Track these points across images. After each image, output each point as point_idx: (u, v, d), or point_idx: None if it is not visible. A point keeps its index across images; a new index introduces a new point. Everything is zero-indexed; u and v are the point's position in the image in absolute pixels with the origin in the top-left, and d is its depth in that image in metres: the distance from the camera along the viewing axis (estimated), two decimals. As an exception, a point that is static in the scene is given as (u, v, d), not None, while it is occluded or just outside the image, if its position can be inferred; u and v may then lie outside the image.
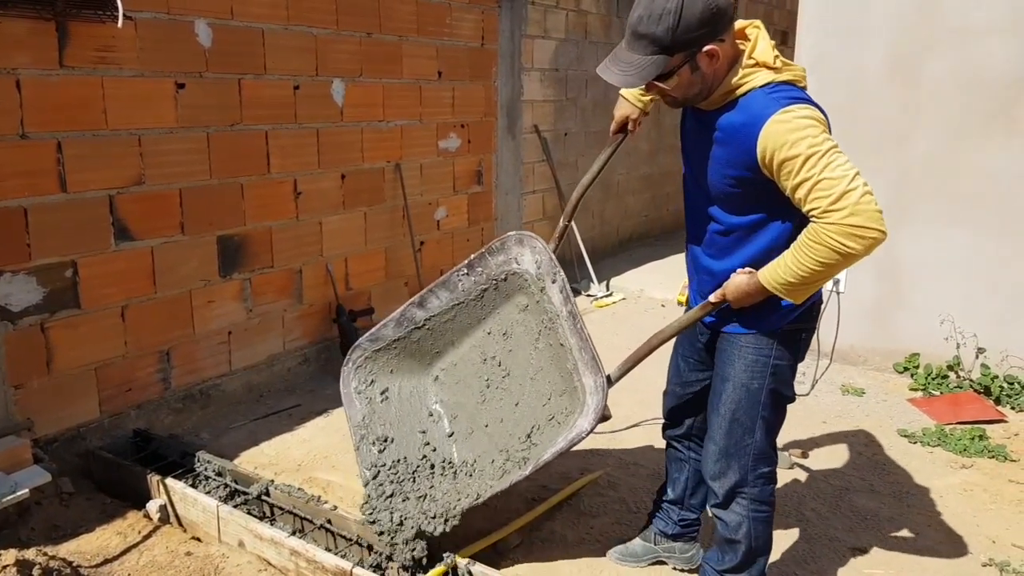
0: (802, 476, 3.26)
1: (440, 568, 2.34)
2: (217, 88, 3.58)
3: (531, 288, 2.51)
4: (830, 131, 1.90)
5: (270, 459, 3.31)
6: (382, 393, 2.68)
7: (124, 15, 2.99)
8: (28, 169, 2.93)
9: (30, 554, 2.41)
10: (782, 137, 1.83)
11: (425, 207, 4.93)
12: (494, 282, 2.58)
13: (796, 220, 1.98)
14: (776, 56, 1.95)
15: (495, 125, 5.45)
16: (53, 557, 2.49)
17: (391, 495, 2.48)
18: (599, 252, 6.77)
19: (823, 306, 2.27)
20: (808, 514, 2.97)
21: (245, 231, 3.80)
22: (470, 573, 2.37)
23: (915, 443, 3.56)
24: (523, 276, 2.53)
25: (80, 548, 2.66)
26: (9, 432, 2.86)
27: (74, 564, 2.52)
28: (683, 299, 2.26)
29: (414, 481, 2.52)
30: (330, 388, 4.09)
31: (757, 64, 1.94)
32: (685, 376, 2.46)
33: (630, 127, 2.46)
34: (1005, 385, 4.02)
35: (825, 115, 1.92)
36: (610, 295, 5.97)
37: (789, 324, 2.12)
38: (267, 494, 2.84)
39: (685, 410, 2.50)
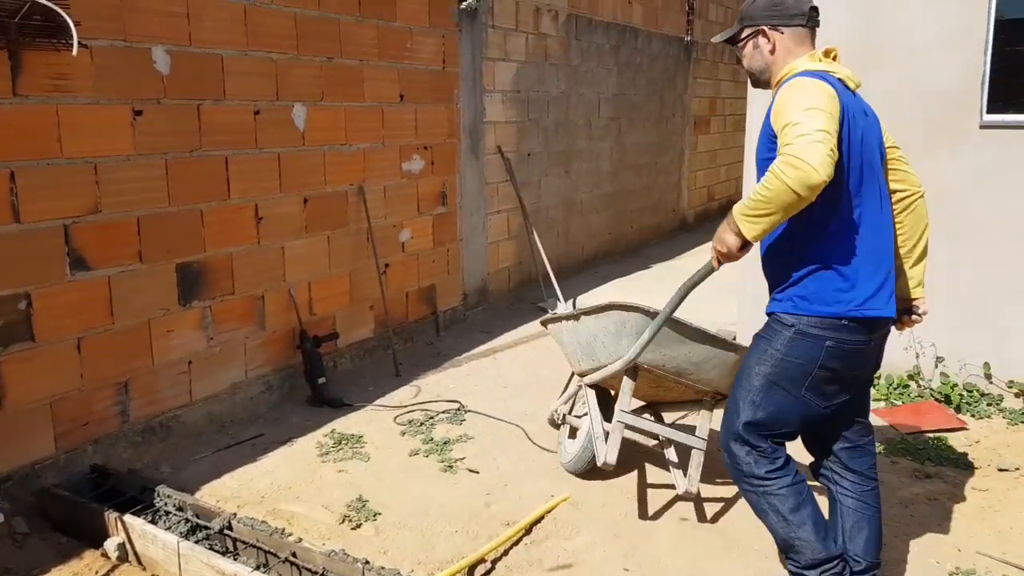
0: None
1: None
2: (176, 114, 3.53)
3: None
4: (839, 104, 2.08)
5: (233, 491, 3.23)
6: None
7: (79, 43, 2.94)
8: (-22, 199, 2.86)
9: (-19, 599, 2.32)
10: (785, 94, 2.11)
11: (389, 229, 4.90)
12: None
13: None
14: (830, 59, 2.27)
15: (458, 147, 5.46)
16: (6, 601, 2.40)
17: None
18: (565, 270, 6.79)
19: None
20: (778, 529, 2.98)
21: (205, 258, 3.74)
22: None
23: (879, 453, 3.60)
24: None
25: (35, 591, 2.57)
26: (-41, 472, 2.77)
27: (29, 608, 2.43)
28: None
29: None
30: (293, 416, 4.02)
31: (808, 59, 2.25)
32: None
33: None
34: (964, 393, 4.10)
35: (837, 91, 2.11)
36: (577, 314, 5.96)
37: (808, 320, 2.17)
38: (230, 528, 2.77)
39: (820, 428, 2.42)
